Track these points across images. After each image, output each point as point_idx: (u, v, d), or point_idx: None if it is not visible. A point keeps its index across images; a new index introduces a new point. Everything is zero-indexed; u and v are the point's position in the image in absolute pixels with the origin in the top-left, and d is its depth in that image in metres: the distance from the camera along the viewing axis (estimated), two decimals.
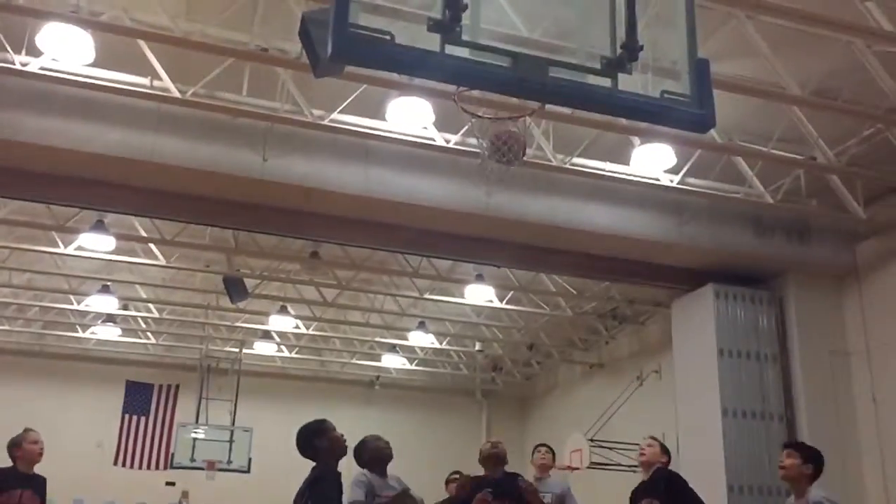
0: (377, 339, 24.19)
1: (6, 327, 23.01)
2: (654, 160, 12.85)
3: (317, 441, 5.51)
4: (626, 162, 13.13)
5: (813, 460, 7.20)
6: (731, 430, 15.61)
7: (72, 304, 21.23)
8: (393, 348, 24.62)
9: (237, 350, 23.93)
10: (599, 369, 23.16)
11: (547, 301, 20.84)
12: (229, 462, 21.76)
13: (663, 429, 19.05)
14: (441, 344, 24.20)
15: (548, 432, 25.24)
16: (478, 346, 24.48)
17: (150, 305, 21.79)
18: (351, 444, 26.51)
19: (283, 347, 24.92)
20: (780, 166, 13.58)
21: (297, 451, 5.53)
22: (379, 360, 25.60)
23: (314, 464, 5.24)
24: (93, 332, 23.13)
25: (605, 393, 21.46)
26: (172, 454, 22.38)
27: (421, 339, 23.13)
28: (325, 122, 12.15)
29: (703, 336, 16.38)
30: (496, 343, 24.42)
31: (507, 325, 22.80)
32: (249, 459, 21.88)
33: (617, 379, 21.60)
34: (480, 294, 19.24)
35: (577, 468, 19.84)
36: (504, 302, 20.14)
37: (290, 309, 21.35)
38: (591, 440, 19.69)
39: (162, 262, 17.99)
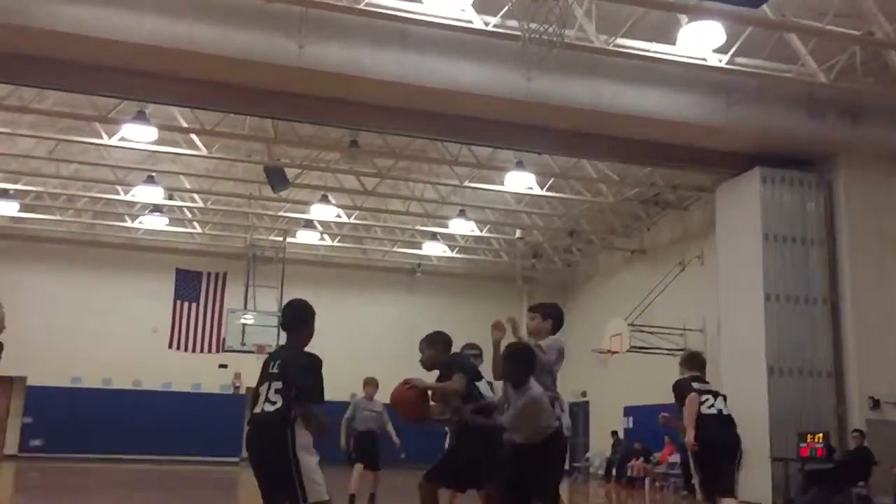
0: (418, 227, 24.36)
1: (58, 217, 23.62)
2: (701, 39, 12.32)
3: (311, 322, 5.28)
4: (672, 42, 12.64)
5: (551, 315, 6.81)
6: (773, 314, 15.62)
7: (119, 194, 21.62)
8: (433, 236, 24.79)
9: (281, 239, 24.32)
10: (640, 255, 23.12)
11: (588, 187, 20.65)
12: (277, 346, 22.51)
13: (704, 313, 19.23)
14: (481, 231, 24.28)
15: (588, 318, 25.55)
16: (518, 234, 24.54)
17: (195, 195, 22.10)
18: (392, 330, 27.42)
19: (325, 236, 25.26)
20: (835, 43, 12.98)
21: (285, 320, 5.28)
22: (420, 248, 25.85)
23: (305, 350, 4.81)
24: (141, 222, 23.64)
25: (646, 279, 21.51)
26: (224, 338, 23.19)
27: (461, 227, 23.22)
28: (361, 6, 11.85)
29: (748, 221, 16.18)
30: (536, 230, 24.43)
31: (548, 212, 22.73)
32: None
33: (658, 265, 21.58)
34: (521, 181, 19.10)
35: (617, 352, 20.17)
36: (544, 189, 20.00)
37: (331, 198, 21.49)
38: (632, 325, 19.90)
39: (204, 152, 18.10)
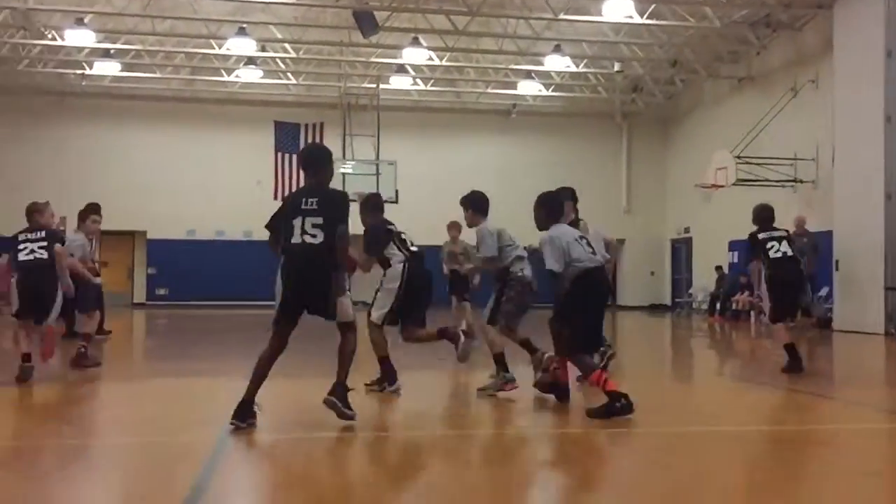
0: (512, 66, 23.70)
1: (158, 74, 24.11)
2: None
3: (331, 164, 5.63)
4: None
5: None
6: (893, 137, 14.75)
7: (213, 48, 21.78)
8: (528, 75, 24.11)
9: (374, 86, 24.18)
10: (749, 83, 21.89)
11: (692, 12, 19.41)
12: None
13: (817, 141, 18.29)
14: (578, 67, 23.43)
15: (691, 151, 24.79)
16: (617, 67, 23.55)
17: (287, 45, 22.03)
18: (487, 173, 27.17)
19: (418, 80, 24.96)
20: None
21: (308, 162, 5.58)
22: (514, 88, 25.27)
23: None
24: (237, 76, 23.90)
25: (754, 108, 20.44)
26: None
27: (557, 63, 22.45)
28: None
29: (870, 37, 15.03)
30: (636, 62, 23.39)
31: (648, 41, 21.63)
32: (396, 191, 22.88)
33: (768, 92, 20.42)
34: (619, 9, 18.11)
35: (722, 185, 19.57)
36: (645, 17, 18.93)
37: (422, 40, 21.02)
38: (738, 157, 19.15)
39: None
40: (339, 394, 5.32)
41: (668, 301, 26.80)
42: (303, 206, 5.28)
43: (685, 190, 24.13)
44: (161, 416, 6.11)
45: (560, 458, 4.98)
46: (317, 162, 5.63)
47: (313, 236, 5.21)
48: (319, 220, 5.22)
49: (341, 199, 5.52)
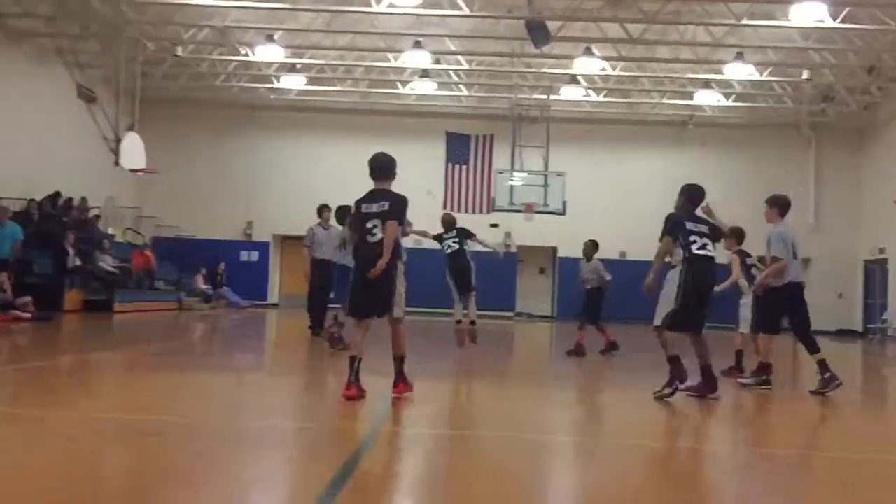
0: (689, 75, 22.84)
1: (338, 88, 25.30)
2: None
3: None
4: None
5: None
6: None
7: (390, 61, 22.59)
8: (707, 84, 23.15)
9: (545, 97, 24.11)
10: None
11: (893, 15, 17.86)
12: (545, 204, 22.75)
13: None
14: (762, 75, 22.21)
15: (889, 165, 22.82)
16: (805, 75, 22.11)
17: (460, 58, 22.45)
18: (658, 186, 26.38)
19: (589, 91, 24.64)
20: None
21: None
22: (691, 99, 24.34)
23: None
24: (412, 88, 24.63)
25: None
26: (493, 198, 23.90)
27: (738, 72, 21.38)
28: None
29: None
30: (827, 69, 21.85)
31: (842, 47, 20.15)
32: (564, 202, 22.68)
33: None
34: (809, 13, 16.98)
35: None
36: (838, 20, 17.65)
37: (594, 50, 20.72)
38: None
39: (466, 11, 18.16)
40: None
41: (858, 327, 24.74)
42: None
43: (881, 206, 22.23)
44: (320, 406, 6.32)
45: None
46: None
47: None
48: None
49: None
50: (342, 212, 10.26)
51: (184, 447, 4.46)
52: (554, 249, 26.19)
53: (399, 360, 6.06)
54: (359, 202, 6.21)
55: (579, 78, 23.28)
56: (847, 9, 17.37)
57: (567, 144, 24.59)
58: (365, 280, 5.95)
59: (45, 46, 20.64)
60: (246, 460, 4.27)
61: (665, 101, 24.96)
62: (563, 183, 22.57)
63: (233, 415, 5.81)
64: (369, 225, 6.00)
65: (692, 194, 7.46)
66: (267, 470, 4.13)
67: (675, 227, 7.20)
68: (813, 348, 7.83)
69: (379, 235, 5.93)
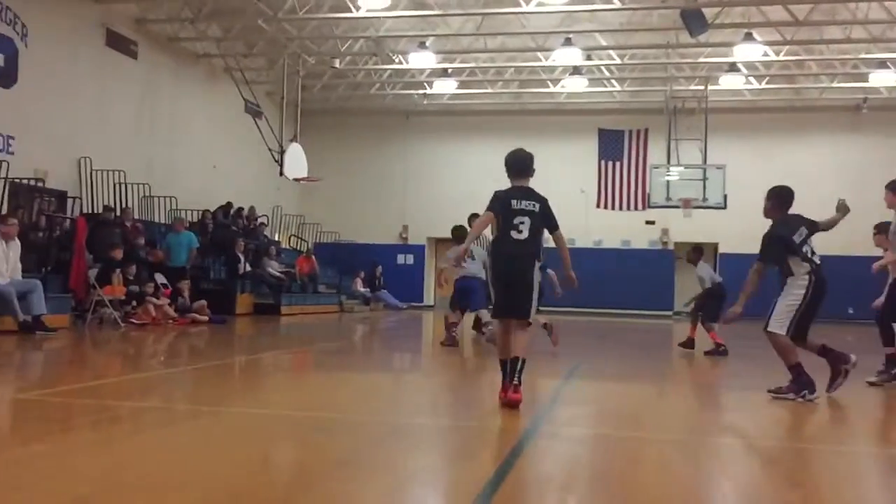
0: (862, 55, 21.26)
1: (489, 90, 25.48)
2: None
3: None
4: None
5: None
6: None
7: (540, 61, 22.49)
8: (882, 64, 21.45)
9: (702, 87, 23.19)
10: None
11: None
12: (704, 199, 21.85)
13: None
14: None
15: None
16: None
17: (612, 52, 22.01)
18: (830, 176, 24.95)
19: (750, 79, 23.48)
20: None
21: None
22: (865, 81, 22.66)
23: None
24: (563, 86, 24.41)
25: None
26: (648, 195, 23.24)
27: None
28: None
29: None
30: None
31: None
32: (725, 196, 21.71)
33: None
34: None
35: None
36: None
37: (756, 35, 19.71)
38: None
39: (617, 4, 17.79)
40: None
41: None
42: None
43: None
44: (479, 402, 6.38)
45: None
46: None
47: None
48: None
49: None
50: (460, 231, 10.58)
51: (349, 442, 4.62)
52: (715, 246, 25.17)
53: (515, 361, 5.59)
54: (507, 197, 5.90)
55: (739, 65, 22.22)
56: None
57: (727, 136, 23.55)
58: (510, 279, 5.79)
59: (215, 66, 22.13)
60: (407, 456, 4.37)
61: (835, 84, 23.39)
62: (722, 176, 21.59)
63: (393, 412, 5.97)
64: (516, 221, 5.77)
65: (784, 197, 6.98)
66: (427, 466, 4.21)
67: (782, 248, 6.60)
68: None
69: (526, 233, 5.74)
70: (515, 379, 5.55)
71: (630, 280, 25.20)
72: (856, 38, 19.90)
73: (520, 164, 6.12)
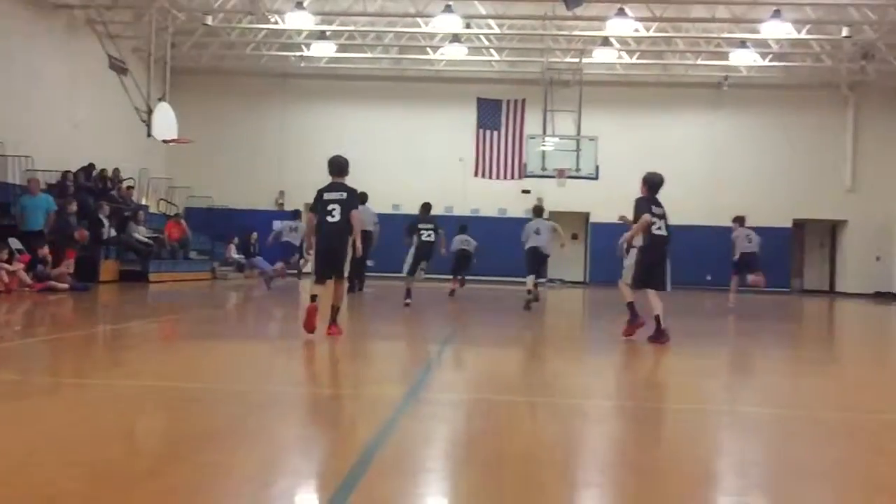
0: (725, 34, 22.33)
1: (369, 55, 25.16)
2: None
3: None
4: None
5: None
6: None
7: (420, 26, 22.36)
8: (743, 43, 22.59)
9: (577, 60, 23.75)
10: None
11: None
12: (577, 169, 22.48)
13: None
14: (800, 33, 21.64)
15: None
16: (845, 32, 21.45)
17: (491, 22, 22.16)
18: (695, 149, 26.30)
19: (622, 54, 24.22)
20: None
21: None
22: (726, 59, 23.82)
23: None
24: (442, 53, 24.39)
25: None
26: (525, 164, 23.68)
27: (775, 30, 20.84)
28: None
29: None
30: (868, 26, 21.21)
31: (883, 2, 19.55)
32: (597, 167, 22.41)
33: None
34: None
35: None
36: None
37: (627, 10, 20.30)
38: None
39: None
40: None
41: (895, 289, 24.34)
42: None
43: None
44: (355, 373, 6.34)
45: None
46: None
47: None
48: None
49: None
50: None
51: (221, 413, 4.49)
52: (587, 215, 25.99)
53: (335, 309, 7.78)
54: (320, 194, 7.96)
55: (612, 40, 22.87)
56: None
57: (600, 108, 24.23)
58: (327, 251, 7.82)
59: (77, 18, 20.73)
60: (281, 426, 4.29)
61: (700, 62, 24.48)
62: (595, 147, 22.26)
63: (267, 381, 5.85)
64: (329, 208, 7.78)
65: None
66: (302, 435, 4.15)
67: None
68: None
69: (338, 217, 7.73)
70: (336, 322, 7.74)
71: (505, 248, 25.64)
72: (719, 17, 20.82)
73: (336, 167, 8.23)
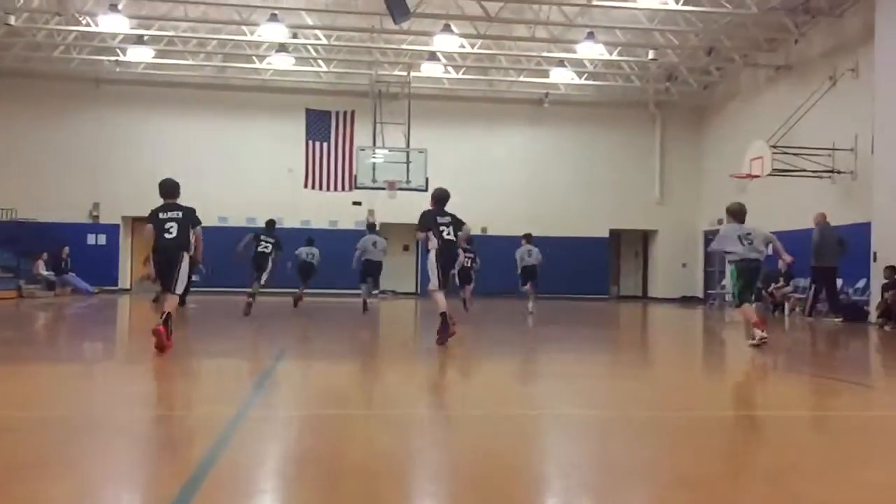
0: (544, 53, 23.45)
1: (190, 61, 24.26)
2: None
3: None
4: None
5: None
6: None
7: (245, 34, 21.85)
8: (561, 63, 23.85)
9: (405, 73, 24.10)
10: (786, 72, 21.44)
11: None
12: (408, 181, 22.78)
13: (856, 131, 17.84)
14: (611, 55, 23.12)
15: (726, 141, 24.37)
16: (651, 55, 23.18)
17: (319, 32, 22.03)
18: (518, 162, 27.54)
19: (449, 69, 24.83)
20: None
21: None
22: (547, 77, 25.03)
23: None
24: (269, 63, 23.95)
25: (792, 97, 20.03)
26: (355, 176, 23.68)
27: (590, 51, 22.15)
28: None
29: None
30: (671, 50, 23.01)
31: (684, 29, 21.26)
32: (427, 178, 22.80)
33: (806, 81, 19.99)
34: None
35: (758, 175, 19.22)
36: (680, 3, 18.61)
37: (453, 27, 20.88)
38: (774, 147, 18.79)
39: None
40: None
41: (699, 293, 26.46)
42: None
43: (720, 181, 23.74)
44: (183, 392, 6.10)
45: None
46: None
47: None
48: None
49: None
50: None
51: (37, 441, 4.18)
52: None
53: (167, 316, 8.09)
54: (155, 213, 8.55)
55: (439, 55, 23.41)
56: None
57: (428, 121, 24.70)
58: (162, 265, 8.43)
59: None
60: (103, 453, 4.06)
61: (522, 78, 25.54)
62: (424, 160, 22.66)
63: (87, 406, 5.51)
64: (167, 226, 8.38)
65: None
66: (126, 461, 3.95)
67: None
68: None
69: (175, 234, 8.34)
70: (167, 325, 7.97)
71: (337, 260, 25.48)
72: (539, 37, 21.85)
73: (167, 189, 8.77)
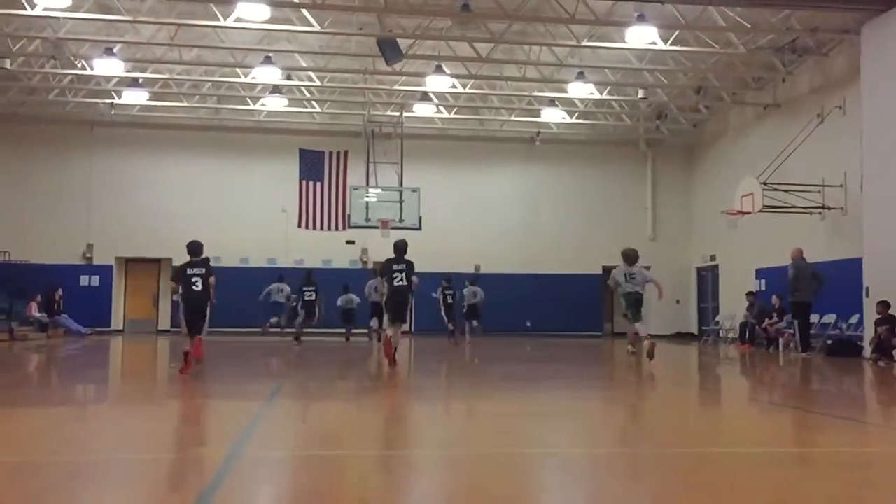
0: (535, 93, 23.72)
1: (185, 104, 24.44)
2: None
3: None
4: None
5: None
6: None
7: (239, 77, 22.06)
8: (552, 102, 24.13)
9: (398, 113, 24.32)
10: (774, 110, 21.72)
11: (717, 39, 19.34)
12: (401, 220, 22.84)
13: (845, 168, 18.03)
14: (602, 94, 23.40)
15: (716, 179, 24.58)
16: (641, 94, 23.48)
17: (312, 74, 22.25)
18: (511, 201, 27.75)
19: (441, 108, 25.07)
20: None
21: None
22: (538, 116, 25.30)
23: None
24: (262, 104, 24.16)
25: (780, 134, 20.27)
26: (349, 215, 23.73)
27: (580, 91, 22.44)
28: None
29: None
30: (660, 89, 23.31)
31: (673, 68, 21.57)
32: (420, 217, 22.88)
33: (794, 118, 20.24)
34: (642, 36, 18.07)
35: (749, 212, 19.34)
36: (668, 43, 18.88)
37: (445, 68, 21.13)
38: (764, 184, 18.94)
39: (316, 27, 18.04)
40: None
41: (693, 329, 26.44)
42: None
43: (711, 217, 23.90)
44: (173, 434, 6.04)
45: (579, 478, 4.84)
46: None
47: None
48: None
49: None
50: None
51: (28, 487, 4.13)
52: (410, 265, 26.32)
53: (189, 355, 10.07)
54: (184, 266, 10.57)
55: (431, 95, 23.65)
56: (676, 32, 18.60)
57: (421, 160, 24.86)
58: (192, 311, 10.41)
59: None
60: (97, 497, 4.01)
61: (513, 118, 25.79)
62: (417, 198, 22.75)
63: (80, 449, 5.45)
64: (193, 280, 10.28)
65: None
66: None
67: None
68: None
69: (200, 287, 10.32)
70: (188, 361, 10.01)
71: (332, 299, 25.47)
72: (530, 77, 22.12)
73: (192, 249, 10.58)
